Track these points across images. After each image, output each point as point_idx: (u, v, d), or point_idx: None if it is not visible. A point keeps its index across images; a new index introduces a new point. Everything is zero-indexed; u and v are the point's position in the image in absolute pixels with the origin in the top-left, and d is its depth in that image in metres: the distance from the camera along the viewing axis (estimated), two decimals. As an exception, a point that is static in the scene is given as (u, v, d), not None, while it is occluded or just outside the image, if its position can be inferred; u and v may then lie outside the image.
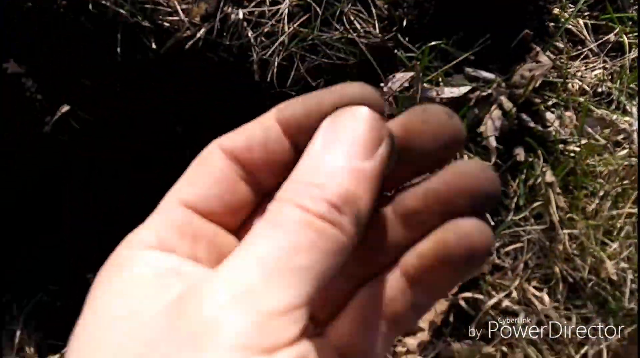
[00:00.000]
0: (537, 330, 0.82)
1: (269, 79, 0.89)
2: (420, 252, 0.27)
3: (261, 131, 0.28)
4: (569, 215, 0.82)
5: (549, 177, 0.81)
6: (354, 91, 0.27)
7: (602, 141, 0.83)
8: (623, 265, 0.81)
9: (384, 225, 0.28)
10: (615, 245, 0.82)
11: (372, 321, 0.28)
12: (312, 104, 0.27)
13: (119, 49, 0.88)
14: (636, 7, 0.92)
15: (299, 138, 0.27)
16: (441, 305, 0.85)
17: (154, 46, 0.90)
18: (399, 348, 0.85)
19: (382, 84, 0.87)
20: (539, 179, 0.82)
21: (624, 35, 0.91)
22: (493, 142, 0.81)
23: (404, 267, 0.27)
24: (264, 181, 0.28)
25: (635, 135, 0.84)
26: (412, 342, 0.82)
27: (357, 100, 0.26)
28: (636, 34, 0.90)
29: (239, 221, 0.29)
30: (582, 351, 0.82)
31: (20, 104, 0.77)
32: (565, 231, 0.81)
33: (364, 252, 0.27)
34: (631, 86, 0.89)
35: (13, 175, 0.86)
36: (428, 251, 0.26)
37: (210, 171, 0.28)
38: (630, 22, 0.93)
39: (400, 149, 0.27)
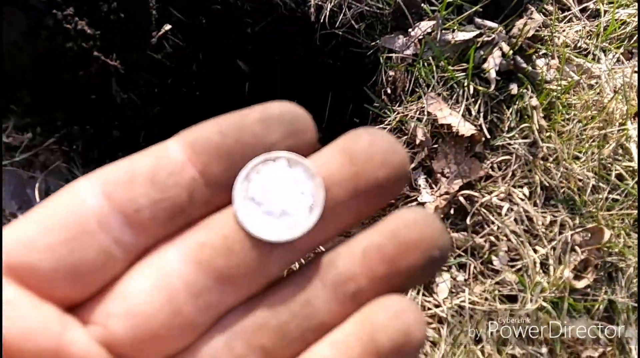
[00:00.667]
0: (518, 221, 1.05)
1: (321, 21, 1.14)
2: (340, 342, 0.23)
3: (153, 159, 0.23)
4: (548, 134, 1.06)
5: (534, 102, 1.05)
6: (279, 108, 0.24)
7: (577, 79, 1.07)
8: (587, 173, 1.04)
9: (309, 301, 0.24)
10: (582, 158, 1.05)
11: None
12: (231, 123, 0.24)
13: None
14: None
15: (211, 164, 0.24)
16: (442, 202, 1.08)
17: (234, -13, 1.15)
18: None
19: (410, 29, 1.11)
20: (527, 105, 1.06)
21: (601, 4, 1.16)
22: (493, 74, 1.05)
23: None
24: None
25: (604, 77, 1.08)
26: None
27: (284, 116, 0.24)
28: (610, 2, 1.15)
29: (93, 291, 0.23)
30: (553, 244, 1.04)
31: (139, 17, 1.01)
32: (544, 145, 1.05)
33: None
34: (604, 43, 1.13)
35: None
36: (350, 351, 0.23)
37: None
38: (607, -5, 1.18)
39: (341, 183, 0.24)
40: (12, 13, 0.89)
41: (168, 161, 0.23)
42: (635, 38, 1.13)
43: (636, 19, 1.13)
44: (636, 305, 1.00)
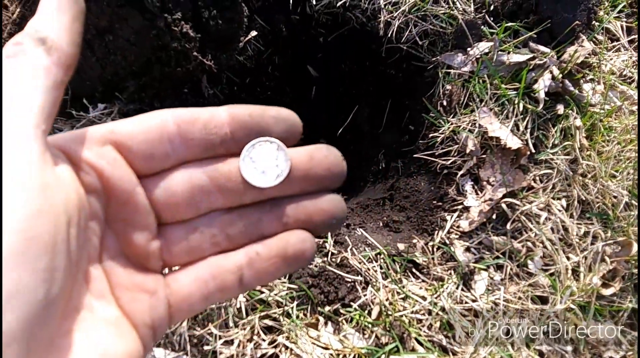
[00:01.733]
0: (554, 230, 1.15)
1: (389, 36, 1.26)
2: (268, 244, 0.41)
3: (209, 114, 0.40)
4: (588, 153, 1.16)
5: (578, 122, 1.15)
6: (287, 113, 0.41)
7: (619, 104, 1.17)
8: (622, 191, 1.14)
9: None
10: (619, 177, 1.15)
11: (207, 283, 0.40)
12: (257, 111, 0.40)
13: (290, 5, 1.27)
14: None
15: (238, 131, 0.40)
16: (486, 207, 1.18)
17: (314, 2, 1.28)
18: (453, 235, 1.19)
19: (469, 49, 1.23)
20: (571, 125, 1.16)
21: (648, 37, 1.25)
22: (542, 94, 1.16)
23: (251, 252, 0.41)
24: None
25: (644, 105, 1.17)
26: (464, 223, 1.17)
27: (288, 118, 0.41)
28: (657, 36, 1.24)
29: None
30: (585, 253, 1.14)
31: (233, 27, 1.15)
32: (584, 162, 1.15)
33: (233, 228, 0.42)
34: (649, 73, 1.23)
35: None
36: (271, 250, 0.41)
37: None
38: (656, 29, 1.27)
39: (301, 170, 0.41)
40: (129, 12, 1.03)
41: (217, 118, 0.40)
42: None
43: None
44: (658, 315, 1.09)
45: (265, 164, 0.41)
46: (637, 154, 1.14)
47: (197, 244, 0.41)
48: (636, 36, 1.25)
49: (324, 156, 0.42)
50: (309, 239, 0.41)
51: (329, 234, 1.18)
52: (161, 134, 0.39)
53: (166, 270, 0.42)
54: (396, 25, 1.24)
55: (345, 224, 1.24)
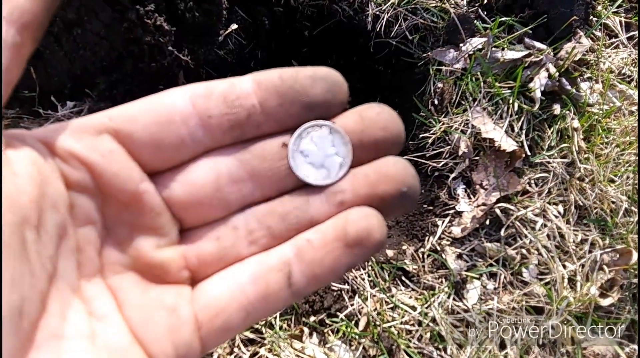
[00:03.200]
0: (550, 237, 1.09)
1: (377, 30, 1.19)
2: (321, 229, 0.32)
3: (227, 85, 0.33)
4: (586, 155, 1.10)
5: (576, 123, 1.09)
6: (326, 71, 0.33)
7: (618, 105, 1.11)
8: (621, 196, 1.09)
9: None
10: (618, 181, 1.10)
11: (245, 290, 0.32)
12: (289, 73, 0.32)
13: (273, -8, 1.20)
14: (661, 14, 1.21)
15: (269, 99, 0.32)
16: (479, 212, 1.13)
17: (298, -7, 1.21)
18: (444, 241, 1.13)
19: (461, 44, 1.16)
20: (568, 126, 1.10)
21: (648, 34, 1.20)
22: (538, 94, 1.10)
23: (300, 241, 0.33)
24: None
25: (645, 105, 1.12)
26: (456, 230, 1.11)
27: (327, 77, 0.33)
28: (658, 33, 1.18)
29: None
30: (582, 261, 1.09)
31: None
32: (582, 166, 1.09)
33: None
34: (648, 72, 1.17)
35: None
36: (326, 234, 0.32)
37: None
38: (656, 26, 1.21)
39: (353, 133, 0.33)
40: (98, 5, 0.96)
41: (239, 88, 0.32)
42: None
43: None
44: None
45: (322, 155, 0.33)
46: (636, 158, 1.08)
47: (231, 244, 0.33)
48: (635, 32, 1.20)
49: (376, 113, 0.33)
50: (374, 214, 0.32)
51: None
52: (170, 115, 0.32)
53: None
54: (385, 19, 1.18)
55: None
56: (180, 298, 0.32)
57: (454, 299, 1.07)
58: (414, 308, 1.06)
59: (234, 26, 1.12)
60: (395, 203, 0.32)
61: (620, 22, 1.20)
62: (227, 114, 0.32)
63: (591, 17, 1.18)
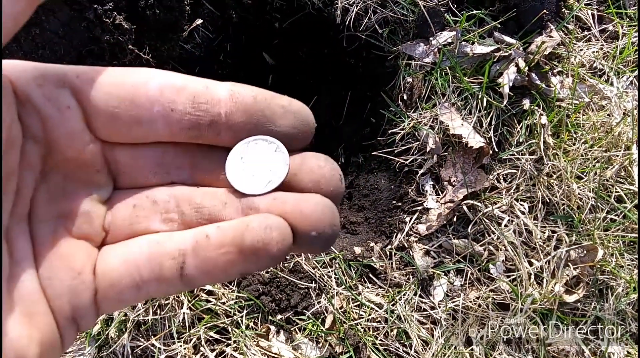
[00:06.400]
0: (517, 233, 1.09)
1: (347, 23, 1.17)
2: (222, 227, 0.32)
3: (202, 86, 0.33)
4: (554, 151, 1.09)
5: (544, 120, 1.08)
6: (299, 106, 0.34)
7: (587, 101, 1.10)
8: (588, 193, 1.08)
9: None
10: (585, 178, 1.09)
11: (140, 267, 0.32)
12: (265, 96, 0.33)
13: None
14: (635, 6, 1.19)
15: (236, 114, 0.33)
16: (446, 209, 1.12)
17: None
18: (412, 238, 1.13)
19: (431, 38, 1.15)
20: (537, 122, 1.09)
21: (620, 26, 1.18)
22: (507, 89, 1.09)
23: (200, 234, 0.32)
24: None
25: (614, 100, 1.11)
26: (422, 228, 1.11)
27: (299, 112, 0.34)
28: (630, 25, 1.17)
29: None
30: (549, 258, 1.09)
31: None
32: (550, 162, 1.09)
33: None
34: (619, 66, 1.16)
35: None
36: (224, 234, 0.32)
37: None
38: (628, 19, 1.19)
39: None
40: (55, 4, 0.94)
41: (212, 93, 0.32)
42: (651, 62, 1.15)
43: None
44: (622, 322, 1.05)
45: (257, 166, 0.34)
46: (603, 154, 1.08)
47: (145, 215, 0.34)
48: (607, 25, 1.18)
49: (317, 165, 0.33)
50: (277, 227, 0.31)
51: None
52: (136, 94, 0.31)
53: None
54: (354, 12, 1.16)
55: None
56: (88, 260, 0.32)
57: (420, 296, 1.07)
58: (380, 305, 1.06)
59: (199, 21, 1.10)
60: (302, 242, 0.32)
61: (593, 15, 1.19)
62: (190, 114, 0.32)
63: (563, 9, 1.17)
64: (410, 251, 1.09)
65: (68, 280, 0.31)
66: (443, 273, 1.08)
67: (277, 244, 0.30)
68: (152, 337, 1.03)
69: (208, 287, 1.06)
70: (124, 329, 1.04)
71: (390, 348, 1.04)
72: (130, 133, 0.33)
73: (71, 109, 0.31)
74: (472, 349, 1.04)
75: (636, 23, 1.18)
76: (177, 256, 0.32)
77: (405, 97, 1.16)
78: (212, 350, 1.03)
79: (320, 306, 1.06)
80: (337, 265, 1.09)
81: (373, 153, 1.18)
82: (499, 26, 1.13)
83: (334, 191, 0.33)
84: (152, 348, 1.03)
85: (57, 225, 0.32)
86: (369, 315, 1.05)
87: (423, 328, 1.05)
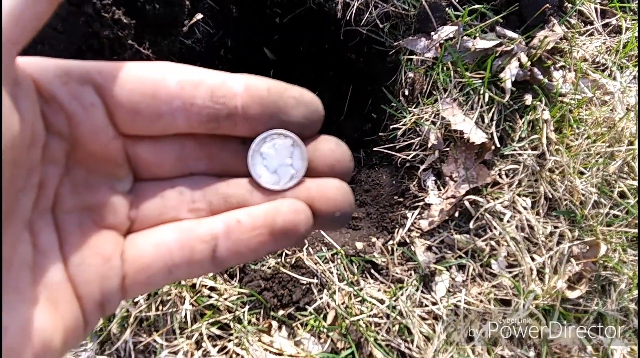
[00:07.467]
0: (519, 229, 1.09)
1: (347, 18, 1.17)
2: (253, 213, 0.34)
3: (219, 80, 0.34)
4: (557, 147, 1.09)
5: (546, 115, 1.08)
6: (311, 98, 0.36)
7: (590, 96, 1.10)
8: (590, 188, 1.08)
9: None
10: (587, 174, 1.09)
11: (172, 252, 0.34)
12: (277, 88, 0.35)
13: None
14: (637, 0, 1.18)
15: (251, 106, 0.34)
16: (448, 205, 1.12)
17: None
18: (414, 233, 1.12)
19: (432, 33, 1.14)
20: (539, 118, 1.09)
21: (623, 20, 1.17)
22: (509, 85, 1.08)
23: (230, 220, 0.35)
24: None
25: (617, 95, 1.10)
26: (424, 223, 1.10)
27: (310, 104, 0.35)
28: (634, 19, 1.16)
29: None
30: (551, 253, 1.08)
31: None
32: (552, 158, 1.08)
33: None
34: (622, 60, 1.15)
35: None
36: (256, 219, 0.34)
37: None
38: (631, 12, 1.19)
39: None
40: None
41: (228, 87, 0.34)
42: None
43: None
44: (624, 318, 1.04)
45: (278, 162, 0.36)
46: (606, 150, 1.07)
47: (173, 205, 0.36)
48: (610, 20, 1.17)
49: (330, 149, 0.36)
50: (304, 210, 0.34)
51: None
52: (156, 89, 0.33)
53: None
54: (355, 7, 1.15)
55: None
56: (117, 247, 0.34)
57: (422, 292, 1.07)
58: (382, 301, 1.06)
59: (199, 16, 1.10)
60: (325, 222, 0.36)
61: (595, 9, 1.18)
62: (209, 107, 0.33)
63: (565, 3, 1.16)
64: (412, 247, 1.09)
65: (98, 266, 0.32)
66: (445, 269, 1.08)
67: (305, 225, 0.34)
68: (155, 332, 1.03)
69: (210, 283, 1.06)
70: (126, 325, 1.04)
71: (392, 344, 1.04)
72: (151, 127, 0.34)
73: (95, 106, 0.32)
74: (473, 345, 1.04)
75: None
76: (210, 240, 0.34)
77: (406, 92, 1.15)
78: (214, 346, 1.03)
79: (322, 302, 1.05)
80: (339, 261, 1.09)
81: (374, 149, 1.17)
82: (501, 21, 1.12)
83: (346, 172, 0.37)
84: (155, 344, 1.03)
85: (83, 216, 0.33)
86: (371, 310, 1.05)
87: (425, 323, 1.05)
